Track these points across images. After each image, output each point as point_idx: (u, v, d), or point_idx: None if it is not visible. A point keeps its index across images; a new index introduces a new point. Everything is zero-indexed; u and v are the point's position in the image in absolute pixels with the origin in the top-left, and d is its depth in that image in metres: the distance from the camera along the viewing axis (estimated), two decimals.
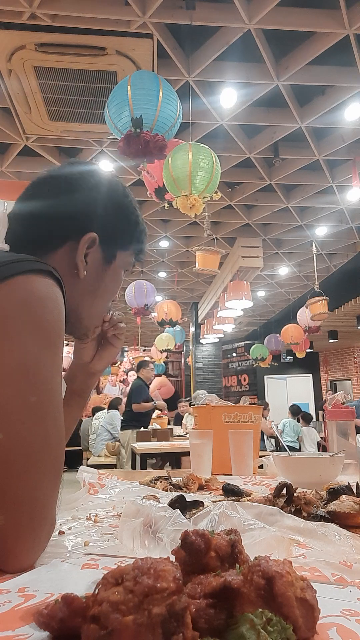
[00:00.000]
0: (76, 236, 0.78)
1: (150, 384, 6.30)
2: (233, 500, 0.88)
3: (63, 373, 0.81)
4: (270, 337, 9.40)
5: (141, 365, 6.19)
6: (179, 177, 2.82)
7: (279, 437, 1.58)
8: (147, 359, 7.34)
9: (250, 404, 2.02)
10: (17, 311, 0.60)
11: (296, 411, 8.36)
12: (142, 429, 5.63)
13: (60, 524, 0.78)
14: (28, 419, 0.57)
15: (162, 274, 8.69)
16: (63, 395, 0.78)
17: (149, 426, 6.04)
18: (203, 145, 2.95)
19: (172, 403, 10.66)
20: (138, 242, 0.89)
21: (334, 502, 0.80)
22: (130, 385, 6.61)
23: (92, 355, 0.97)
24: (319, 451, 7.04)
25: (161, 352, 8.78)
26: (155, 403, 6.10)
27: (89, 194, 0.80)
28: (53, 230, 0.78)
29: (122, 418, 6.19)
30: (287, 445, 7.15)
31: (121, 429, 6.04)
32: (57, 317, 0.64)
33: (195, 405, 1.79)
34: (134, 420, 5.82)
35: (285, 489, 0.84)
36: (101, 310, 0.88)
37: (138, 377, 6.19)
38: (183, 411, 8.42)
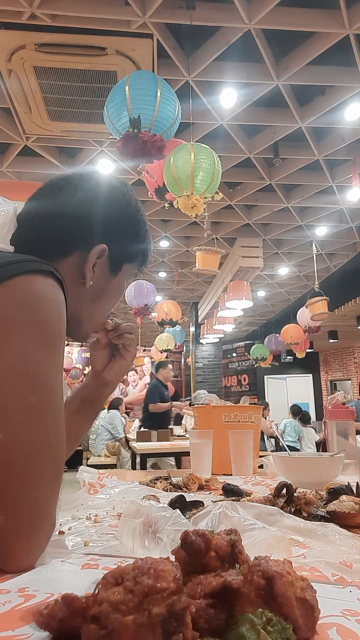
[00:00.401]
0: (87, 246, 0.78)
1: (168, 384, 6.32)
2: (233, 500, 0.88)
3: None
4: (270, 337, 9.40)
5: (160, 365, 6.19)
6: (181, 177, 2.82)
7: (279, 437, 1.58)
8: (165, 359, 7.31)
9: (250, 404, 2.02)
10: (17, 311, 0.60)
11: (297, 411, 8.36)
12: (160, 429, 5.66)
13: (60, 524, 0.78)
14: (28, 419, 0.57)
15: (162, 274, 8.70)
16: (65, 396, 0.78)
17: (169, 426, 6.05)
18: (204, 145, 2.95)
19: None
20: (144, 255, 0.90)
21: (334, 502, 0.80)
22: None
23: (104, 364, 0.96)
24: (318, 451, 7.03)
25: (161, 352, 8.77)
26: (172, 403, 6.11)
27: (104, 205, 0.80)
28: (64, 238, 0.78)
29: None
30: (288, 446, 7.15)
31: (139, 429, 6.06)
32: (58, 317, 0.63)
33: (195, 405, 1.79)
34: (150, 420, 5.83)
35: (285, 489, 0.84)
36: (101, 317, 0.88)
37: (155, 377, 6.20)
38: (183, 411, 8.42)
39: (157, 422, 5.78)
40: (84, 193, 0.80)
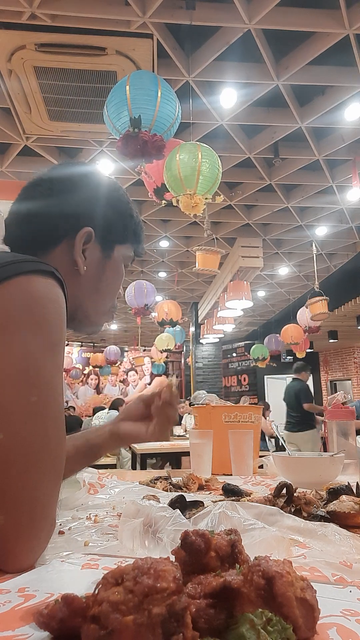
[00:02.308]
0: (72, 233, 0.79)
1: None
2: (233, 500, 0.88)
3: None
4: (270, 337, 9.40)
5: (302, 368, 6.58)
6: (185, 175, 2.80)
7: (279, 436, 1.58)
8: (304, 364, 7.36)
9: (250, 404, 2.02)
10: (18, 312, 0.60)
11: None
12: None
13: (60, 524, 0.78)
14: (28, 419, 0.57)
15: (162, 274, 8.69)
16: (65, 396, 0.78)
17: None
18: (207, 145, 2.95)
19: None
20: (135, 234, 0.89)
21: (334, 502, 0.80)
22: (293, 387, 6.66)
23: (131, 416, 0.94)
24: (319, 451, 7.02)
25: (161, 352, 8.78)
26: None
27: (80, 190, 0.82)
28: (48, 229, 0.78)
29: (292, 421, 6.27)
30: None
31: (299, 431, 6.12)
32: (58, 317, 0.63)
33: (195, 405, 1.79)
34: (311, 420, 5.95)
35: (285, 489, 0.84)
36: (107, 305, 0.88)
37: (299, 379, 6.44)
38: (183, 412, 8.42)
39: (313, 421, 5.92)
40: (58, 183, 0.81)
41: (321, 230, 6.93)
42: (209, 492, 1.14)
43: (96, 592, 0.35)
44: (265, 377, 12.68)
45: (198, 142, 2.96)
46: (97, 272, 0.83)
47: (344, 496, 0.81)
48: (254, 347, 9.74)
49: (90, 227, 0.79)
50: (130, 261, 0.91)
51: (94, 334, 0.91)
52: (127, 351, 12.44)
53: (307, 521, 0.70)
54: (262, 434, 6.80)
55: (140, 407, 0.96)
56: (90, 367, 11.76)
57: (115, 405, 6.86)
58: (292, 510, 0.80)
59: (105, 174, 0.89)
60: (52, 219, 0.79)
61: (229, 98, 4.12)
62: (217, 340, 9.78)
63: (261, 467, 1.55)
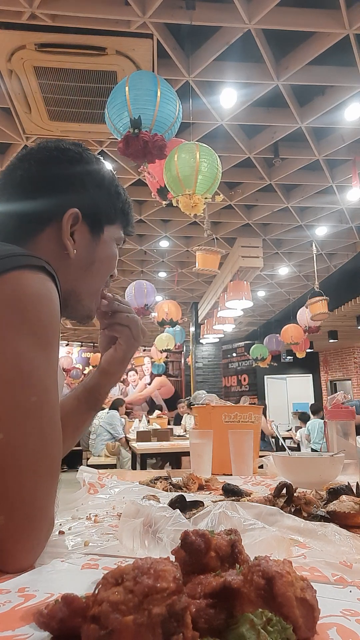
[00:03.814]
0: (57, 216, 0.75)
1: None
2: (233, 500, 0.88)
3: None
4: (270, 337, 9.41)
5: None
6: (184, 175, 2.81)
7: (279, 437, 1.58)
8: None
9: (250, 404, 2.02)
10: (9, 309, 0.58)
11: (317, 409, 8.02)
12: None
13: (60, 524, 0.78)
14: (23, 420, 0.57)
15: (162, 274, 8.69)
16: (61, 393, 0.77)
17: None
18: (206, 145, 2.95)
19: (172, 403, 10.67)
20: (123, 213, 0.86)
21: (334, 502, 0.80)
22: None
23: (105, 347, 0.92)
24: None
25: (161, 352, 8.78)
26: None
27: (63, 171, 0.78)
28: (32, 214, 0.75)
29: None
30: (314, 450, 7.01)
31: None
32: (52, 314, 0.62)
33: (195, 405, 1.79)
34: None
35: (285, 489, 0.84)
36: (99, 287, 0.85)
37: None
38: (183, 412, 8.43)
39: None
40: (39, 165, 0.77)
41: (321, 230, 6.93)
42: (209, 492, 1.14)
43: (96, 592, 0.35)
44: (265, 377, 12.69)
45: (197, 142, 2.96)
46: (88, 254, 0.80)
47: (344, 496, 0.81)
48: (254, 347, 9.74)
49: (76, 208, 0.76)
50: (121, 242, 0.87)
51: (88, 322, 0.87)
52: None
53: (307, 521, 0.70)
54: (262, 433, 6.78)
55: (105, 337, 0.93)
56: (90, 367, 11.77)
57: (115, 405, 6.86)
58: (292, 510, 0.80)
59: (87, 150, 0.83)
60: (35, 202, 0.75)
61: (229, 98, 4.12)
62: (217, 340, 9.78)
63: (261, 467, 1.55)
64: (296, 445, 7.80)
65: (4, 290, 0.59)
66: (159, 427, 6.69)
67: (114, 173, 0.86)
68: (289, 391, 12.91)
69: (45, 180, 0.76)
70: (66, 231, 0.75)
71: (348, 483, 0.90)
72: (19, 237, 0.74)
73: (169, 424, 7.87)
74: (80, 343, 12.29)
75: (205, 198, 2.88)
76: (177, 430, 7.08)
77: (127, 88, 2.50)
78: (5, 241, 0.70)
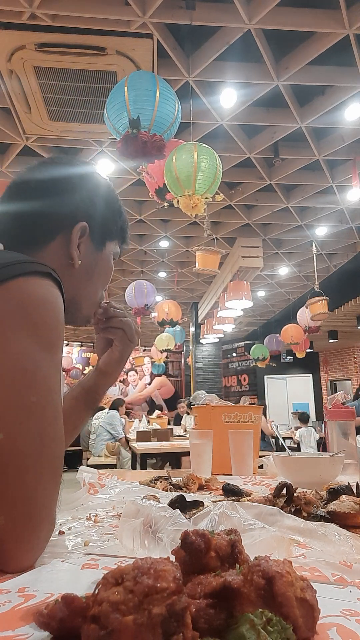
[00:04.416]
0: (68, 227, 0.80)
1: None
2: (233, 500, 0.88)
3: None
4: (271, 337, 9.40)
5: None
6: (183, 176, 2.81)
7: (279, 437, 1.58)
8: None
9: (250, 404, 2.02)
10: (16, 313, 0.60)
11: (306, 418, 8.21)
12: None
13: (60, 524, 0.78)
14: (26, 419, 0.57)
15: (162, 274, 8.69)
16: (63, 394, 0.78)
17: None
18: (205, 145, 2.95)
19: (172, 403, 10.67)
20: (122, 230, 0.92)
21: (334, 502, 0.80)
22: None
23: (103, 350, 0.98)
24: (318, 451, 7.02)
25: (161, 352, 8.78)
26: None
27: (76, 185, 0.83)
28: (45, 223, 0.79)
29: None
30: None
31: None
32: (57, 318, 0.64)
33: (195, 405, 1.79)
34: None
35: (285, 489, 0.84)
36: (97, 297, 0.89)
37: None
38: (182, 412, 8.43)
39: None
40: (54, 178, 0.82)
41: (321, 230, 6.93)
42: (209, 492, 1.14)
43: (96, 592, 0.35)
44: (265, 377, 12.69)
45: (195, 142, 2.96)
46: (90, 265, 0.84)
47: (344, 496, 0.81)
48: (254, 347, 9.74)
49: (85, 222, 0.81)
50: (117, 257, 0.93)
51: (84, 325, 0.92)
52: None
53: (307, 521, 0.70)
54: (262, 433, 6.78)
55: (101, 340, 0.99)
56: (90, 367, 11.76)
57: (115, 405, 6.86)
58: (292, 510, 0.80)
59: (95, 169, 0.91)
60: (49, 213, 0.79)
61: (229, 98, 4.12)
62: (217, 340, 9.78)
63: (261, 467, 1.55)
64: (296, 445, 7.80)
65: (12, 294, 0.60)
66: (159, 427, 6.69)
67: (117, 193, 0.92)
68: (289, 391, 12.91)
69: (59, 194, 0.81)
70: (75, 242, 0.80)
71: (348, 483, 0.89)
72: (29, 245, 0.77)
73: (169, 424, 7.87)
74: (80, 343, 12.29)
75: (206, 198, 2.88)
76: (177, 430, 7.08)
77: (126, 88, 2.50)
78: (14, 249, 0.73)
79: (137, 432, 5.78)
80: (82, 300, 0.85)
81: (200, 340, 9.86)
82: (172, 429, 6.51)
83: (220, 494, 1.06)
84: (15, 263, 0.63)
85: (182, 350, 12.38)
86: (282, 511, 0.73)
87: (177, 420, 8.53)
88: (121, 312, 0.96)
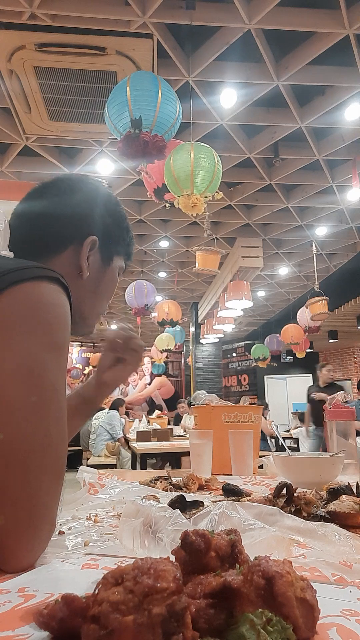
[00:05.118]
0: (79, 239, 0.83)
1: None
2: (233, 500, 0.88)
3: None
4: (271, 337, 9.40)
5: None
6: (181, 176, 2.81)
7: (279, 437, 1.58)
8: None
9: (250, 404, 2.02)
10: (24, 316, 0.61)
11: (302, 417, 8.26)
12: None
13: (60, 524, 0.78)
14: (31, 419, 0.58)
15: (162, 274, 8.69)
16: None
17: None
18: (204, 144, 2.95)
19: (172, 403, 10.66)
20: (128, 247, 0.96)
21: (334, 502, 0.80)
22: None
23: (107, 365, 1.02)
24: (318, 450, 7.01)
25: (161, 352, 8.77)
26: None
27: (89, 200, 0.87)
28: (58, 234, 0.83)
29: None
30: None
31: None
32: (64, 322, 0.65)
33: (195, 405, 1.79)
34: None
35: (285, 489, 0.84)
36: (102, 308, 0.93)
37: None
38: (183, 412, 8.43)
39: None
40: (70, 190, 0.86)
41: (321, 230, 6.93)
42: (209, 492, 1.14)
43: (96, 592, 0.35)
44: (265, 377, 12.69)
45: (192, 142, 2.95)
46: (97, 278, 0.87)
47: (344, 496, 0.81)
48: (254, 347, 9.74)
49: (95, 236, 0.84)
50: (122, 272, 0.97)
51: (87, 335, 0.96)
52: None
53: (307, 521, 0.70)
54: (262, 433, 6.78)
55: (109, 356, 1.03)
56: (90, 367, 11.77)
57: (115, 405, 6.86)
58: (292, 510, 0.80)
59: (108, 189, 0.97)
60: (64, 224, 0.83)
61: (229, 98, 4.12)
62: (217, 340, 9.78)
63: (261, 467, 1.55)
64: (295, 445, 7.80)
65: (20, 297, 0.62)
66: (159, 427, 6.69)
67: (124, 212, 0.96)
68: (289, 391, 12.90)
69: (75, 206, 0.85)
70: (85, 254, 0.83)
71: (348, 483, 0.90)
72: (40, 254, 0.80)
73: (169, 424, 7.87)
74: (80, 343, 12.29)
75: (205, 197, 2.88)
76: (177, 430, 7.07)
77: (128, 88, 2.49)
78: (25, 257, 0.75)
79: (137, 432, 5.78)
80: (86, 311, 0.88)
81: (200, 340, 9.86)
82: (172, 429, 6.50)
83: (220, 494, 1.06)
84: (24, 268, 0.65)
85: (182, 350, 12.38)
86: (282, 511, 0.73)
87: (177, 420, 8.53)
88: (136, 335, 1.04)
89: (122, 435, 6.52)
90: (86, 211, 0.85)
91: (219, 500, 0.86)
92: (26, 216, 0.83)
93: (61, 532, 0.73)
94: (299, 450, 7.20)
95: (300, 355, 9.13)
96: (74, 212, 0.84)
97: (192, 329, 10.21)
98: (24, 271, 0.64)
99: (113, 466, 5.88)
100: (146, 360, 11.05)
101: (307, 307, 6.78)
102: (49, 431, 0.59)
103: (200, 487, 1.17)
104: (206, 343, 10.05)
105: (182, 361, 12.81)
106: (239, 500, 0.87)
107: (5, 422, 0.56)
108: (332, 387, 6.10)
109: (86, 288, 0.85)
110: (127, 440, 6.45)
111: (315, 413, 6.32)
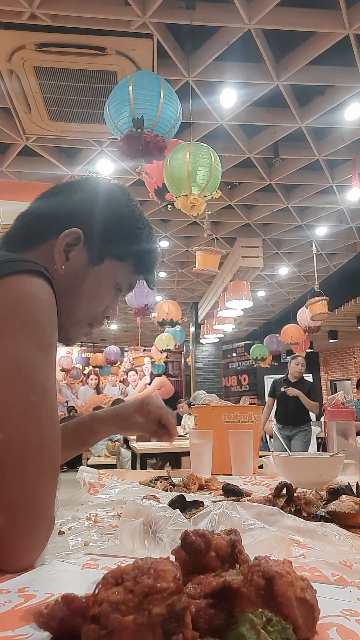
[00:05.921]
0: (59, 231, 0.78)
1: None
2: (233, 500, 0.88)
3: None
4: (271, 337, 9.40)
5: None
6: (178, 177, 2.81)
7: (279, 437, 1.58)
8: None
9: (250, 404, 2.02)
10: (9, 312, 0.60)
11: None
12: None
13: (60, 524, 0.78)
14: (23, 420, 0.57)
15: (162, 274, 8.69)
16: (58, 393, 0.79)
17: None
18: (202, 143, 2.95)
19: (172, 403, 10.66)
20: (138, 256, 0.86)
21: (334, 502, 0.80)
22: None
23: (139, 426, 1.04)
24: (318, 451, 7.01)
25: (161, 352, 8.77)
26: None
27: (81, 196, 0.82)
28: (37, 226, 0.80)
29: None
30: None
31: None
32: (50, 316, 0.64)
33: (195, 405, 1.79)
34: None
35: (285, 489, 0.84)
36: (81, 315, 0.83)
37: None
38: (182, 412, 8.43)
39: None
40: (62, 187, 0.84)
41: (321, 230, 6.93)
42: (209, 492, 1.14)
43: (96, 592, 0.35)
44: (265, 377, 12.66)
45: (188, 142, 2.95)
46: (76, 278, 0.79)
47: (344, 496, 0.81)
48: (254, 347, 9.73)
49: (79, 230, 0.78)
50: (127, 287, 0.89)
51: (65, 345, 0.88)
52: (127, 351, 12.44)
53: (307, 521, 0.70)
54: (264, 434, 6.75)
55: (152, 424, 1.06)
56: (90, 367, 11.77)
57: (115, 405, 6.85)
58: (292, 510, 0.80)
59: (122, 187, 0.89)
60: (43, 217, 0.80)
61: (229, 98, 4.12)
62: (217, 340, 9.77)
63: (261, 467, 1.55)
64: None
65: (4, 293, 0.60)
66: None
67: (145, 219, 0.88)
68: None
69: (62, 200, 0.81)
70: (60, 245, 0.77)
71: (348, 483, 0.90)
72: (20, 247, 0.78)
73: None
74: (80, 343, 12.28)
75: (204, 197, 2.87)
76: (177, 430, 7.07)
77: (130, 87, 2.49)
78: (12, 250, 0.75)
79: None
80: (62, 314, 0.75)
81: (200, 340, 9.86)
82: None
83: (220, 494, 1.06)
84: (6, 262, 0.63)
85: (182, 350, 12.38)
86: (282, 511, 0.73)
87: (177, 420, 8.53)
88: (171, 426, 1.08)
89: (121, 435, 6.52)
90: (70, 205, 0.80)
91: (219, 500, 0.86)
92: (22, 214, 0.83)
93: (61, 532, 0.73)
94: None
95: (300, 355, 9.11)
96: (60, 206, 0.80)
97: (192, 329, 10.21)
98: (5, 265, 0.62)
99: (113, 466, 5.88)
100: (146, 360, 11.05)
101: (307, 307, 6.78)
102: (42, 432, 0.59)
103: (200, 487, 1.17)
104: (206, 343, 10.05)
105: (182, 361, 12.81)
106: (239, 500, 0.87)
107: None
108: (302, 383, 5.58)
109: (63, 286, 0.76)
110: (126, 440, 6.45)
111: (281, 410, 5.68)
